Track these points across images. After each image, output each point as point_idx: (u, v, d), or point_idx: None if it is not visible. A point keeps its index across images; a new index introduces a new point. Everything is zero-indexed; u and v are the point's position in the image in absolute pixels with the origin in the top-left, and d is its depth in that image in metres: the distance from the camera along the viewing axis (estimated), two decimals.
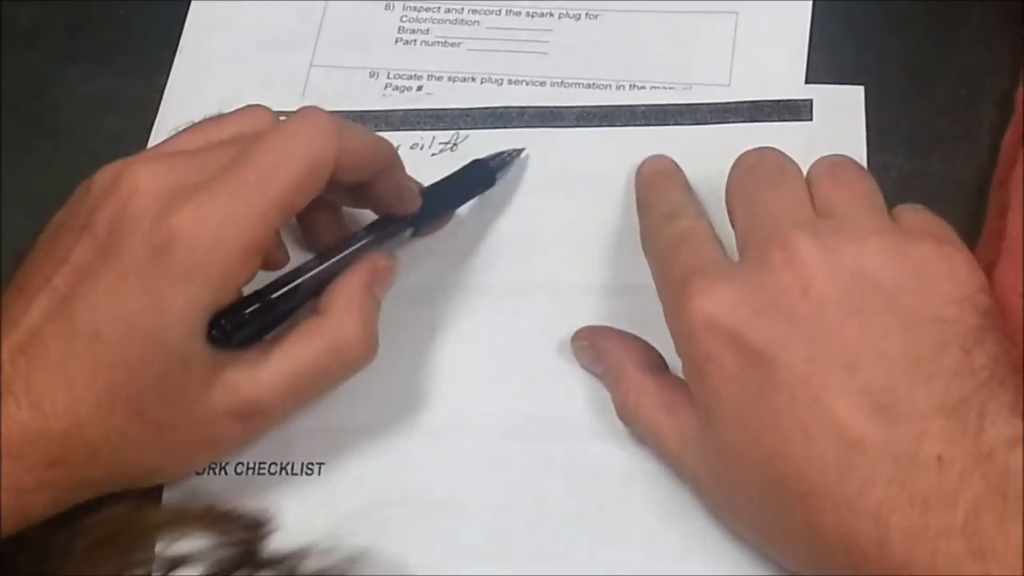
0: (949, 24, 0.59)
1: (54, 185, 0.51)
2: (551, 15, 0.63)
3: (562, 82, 0.61)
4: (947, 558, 0.40)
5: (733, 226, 0.49)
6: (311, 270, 0.51)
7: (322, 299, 0.50)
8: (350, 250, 0.52)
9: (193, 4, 0.65)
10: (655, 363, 0.52)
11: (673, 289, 0.48)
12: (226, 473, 0.52)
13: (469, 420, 0.53)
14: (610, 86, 0.60)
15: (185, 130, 0.51)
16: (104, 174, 0.49)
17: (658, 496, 0.50)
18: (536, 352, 0.54)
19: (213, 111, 0.60)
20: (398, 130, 0.60)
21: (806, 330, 0.44)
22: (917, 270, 0.45)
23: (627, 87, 0.60)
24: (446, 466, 0.52)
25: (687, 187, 0.55)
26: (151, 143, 0.61)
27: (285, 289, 0.50)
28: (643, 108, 0.59)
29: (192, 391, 0.47)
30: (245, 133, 0.50)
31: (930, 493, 0.41)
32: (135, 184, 0.47)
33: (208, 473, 0.52)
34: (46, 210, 0.51)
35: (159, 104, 0.62)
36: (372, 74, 0.62)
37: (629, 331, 0.53)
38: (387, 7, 0.64)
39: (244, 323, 0.48)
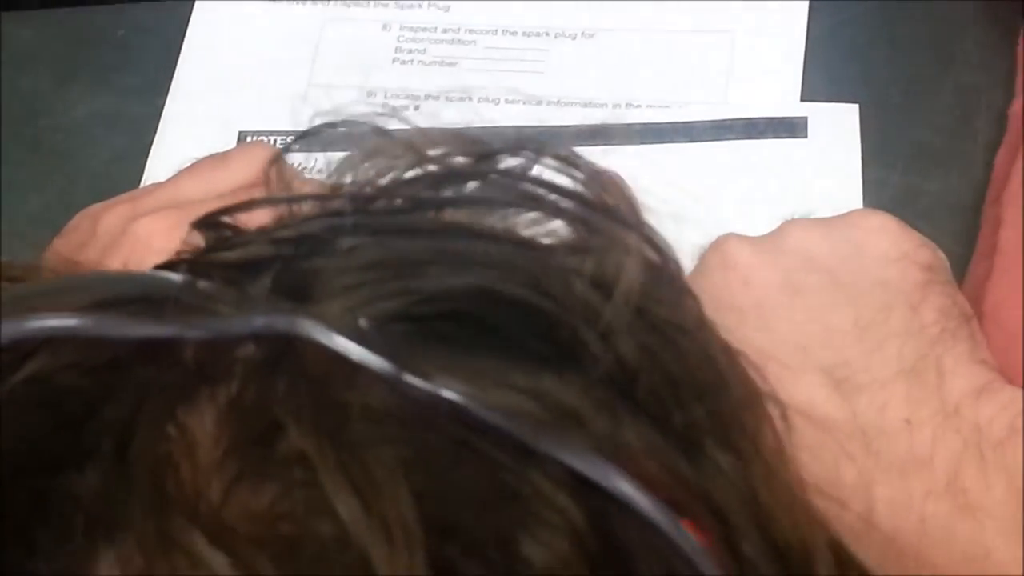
0: (945, 42, 0.60)
1: (53, 206, 0.51)
2: (547, 35, 0.63)
3: (558, 101, 0.61)
4: (935, 520, 0.40)
5: None
6: None
7: None
8: None
9: (192, 25, 0.65)
10: None
11: None
12: None
13: None
14: (606, 105, 0.60)
15: (186, 171, 0.51)
16: (111, 216, 0.48)
17: None
18: None
19: (211, 132, 0.61)
20: None
21: (753, 321, 0.44)
22: (850, 237, 0.45)
23: (623, 106, 0.60)
24: None
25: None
26: (149, 163, 0.61)
27: None
28: (639, 127, 0.59)
29: None
30: (246, 177, 0.50)
31: (906, 458, 0.40)
32: (148, 242, 0.46)
33: None
34: (45, 231, 0.51)
35: (158, 124, 0.62)
36: (369, 93, 0.62)
37: None
38: (384, 27, 0.65)
39: None
